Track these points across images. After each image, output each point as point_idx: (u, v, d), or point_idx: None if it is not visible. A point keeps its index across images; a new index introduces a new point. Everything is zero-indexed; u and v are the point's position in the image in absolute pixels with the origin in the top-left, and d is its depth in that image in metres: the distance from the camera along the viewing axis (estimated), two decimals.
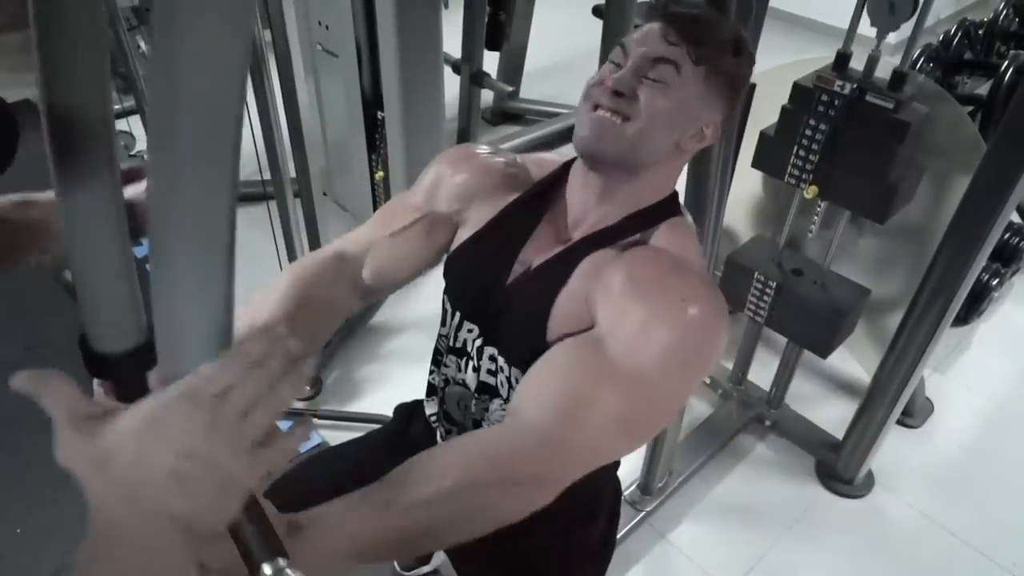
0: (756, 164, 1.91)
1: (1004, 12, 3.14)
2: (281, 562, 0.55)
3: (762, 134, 1.87)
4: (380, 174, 2.79)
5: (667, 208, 0.96)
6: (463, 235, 1.06)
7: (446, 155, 1.11)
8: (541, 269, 0.95)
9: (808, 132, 1.74)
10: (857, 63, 1.70)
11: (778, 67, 1.98)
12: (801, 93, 1.74)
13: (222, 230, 0.54)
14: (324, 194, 2.85)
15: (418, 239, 1.05)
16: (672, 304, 0.83)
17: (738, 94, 0.92)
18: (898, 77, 1.62)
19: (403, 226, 1.05)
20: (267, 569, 0.54)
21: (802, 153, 1.78)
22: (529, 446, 0.79)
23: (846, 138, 1.70)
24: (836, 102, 1.68)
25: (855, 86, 1.64)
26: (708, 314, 0.84)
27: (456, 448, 0.83)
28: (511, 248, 1.00)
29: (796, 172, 1.81)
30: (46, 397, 0.55)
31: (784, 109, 1.79)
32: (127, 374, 0.63)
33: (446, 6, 2.52)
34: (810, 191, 1.78)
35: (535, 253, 0.98)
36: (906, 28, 1.62)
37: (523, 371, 0.94)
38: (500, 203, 1.04)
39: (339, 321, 1.04)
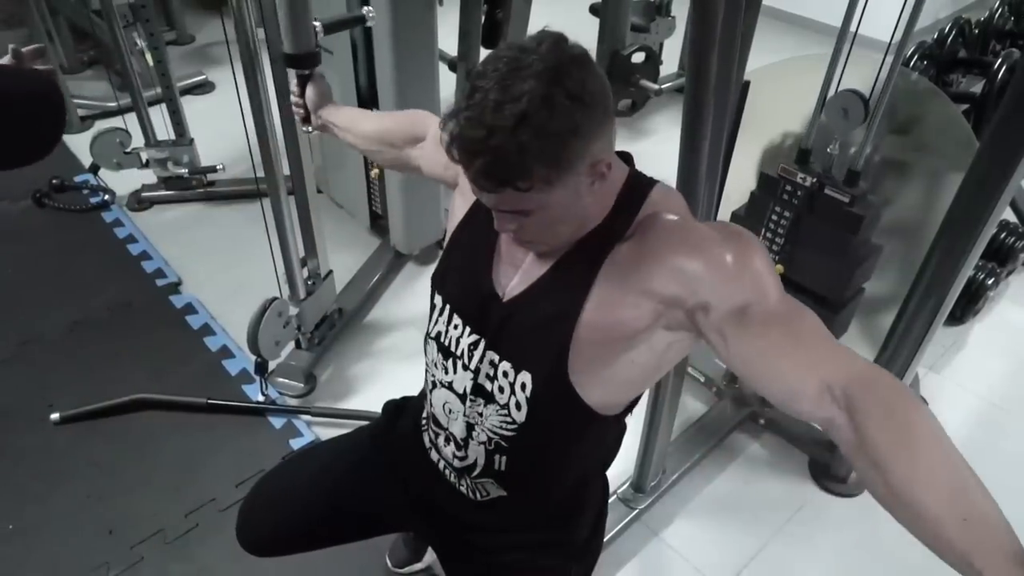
0: None
1: (1000, 10, 3.13)
2: None
3: (734, 215, 2.03)
4: (375, 171, 2.79)
5: (635, 190, 0.95)
6: (455, 210, 1.09)
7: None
8: (554, 278, 0.95)
9: (774, 217, 1.93)
10: (855, 64, 1.71)
11: (770, 65, 1.98)
12: (767, 181, 1.93)
13: None
14: (319, 191, 2.85)
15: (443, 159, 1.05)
16: (739, 247, 0.87)
17: (590, 119, 0.81)
18: (852, 175, 1.79)
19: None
20: None
21: (769, 235, 1.96)
22: (879, 382, 0.79)
23: (808, 225, 1.89)
24: (799, 192, 1.87)
25: (815, 180, 1.83)
26: (741, 232, 0.90)
27: (935, 449, 0.74)
28: (488, 242, 1.02)
29: None
30: None
31: (753, 194, 1.99)
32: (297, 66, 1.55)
33: (441, 3, 2.52)
34: (777, 270, 1.83)
35: (514, 245, 0.98)
36: (902, 18, 1.62)
37: (534, 376, 0.95)
38: None
39: (403, 169, 1.36)
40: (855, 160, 1.78)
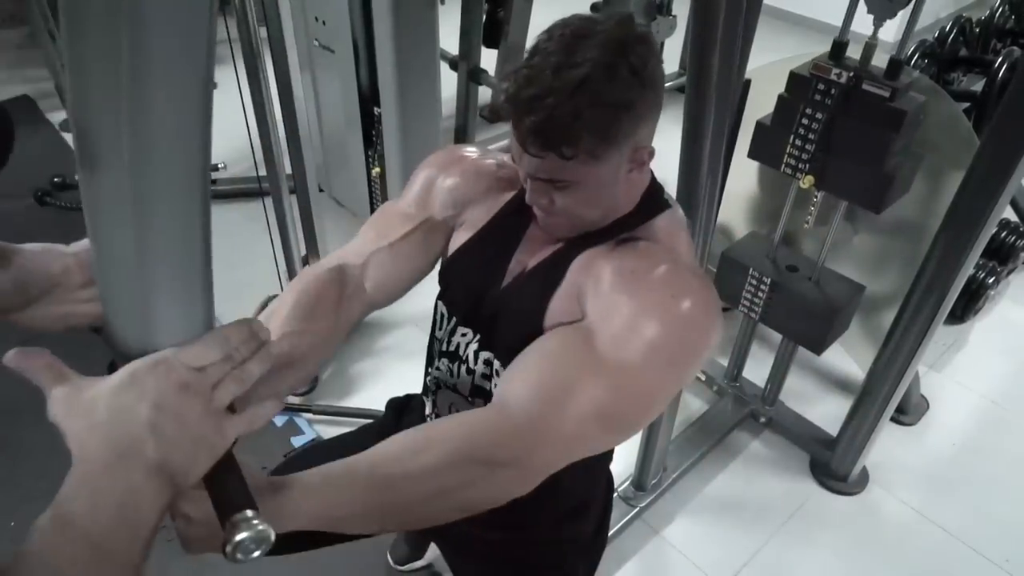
0: (752, 154, 1.89)
1: (1000, 9, 3.14)
2: (249, 513, 0.58)
3: (758, 124, 1.85)
4: (377, 170, 2.79)
5: (652, 204, 0.96)
6: (459, 239, 1.06)
7: (435, 158, 1.11)
8: (535, 271, 0.96)
9: (805, 121, 1.72)
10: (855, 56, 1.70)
11: (772, 63, 1.99)
12: (798, 82, 1.72)
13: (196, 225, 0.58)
14: (320, 190, 2.85)
15: (416, 248, 1.06)
16: (662, 298, 0.84)
17: (642, 99, 0.81)
18: (895, 65, 1.60)
19: (400, 236, 1.04)
20: (236, 517, 0.58)
21: (798, 143, 1.76)
22: (511, 429, 0.79)
23: (842, 127, 1.68)
24: (832, 91, 1.66)
25: (851, 75, 1.62)
26: (699, 309, 0.84)
27: (440, 427, 0.83)
28: (505, 252, 1.01)
29: (792, 162, 1.79)
30: (34, 367, 0.62)
31: (781, 98, 1.77)
32: None
33: (442, 2, 2.52)
34: (806, 181, 1.77)
35: (530, 255, 0.99)
36: (902, 16, 1.61)
37: None
38: (494, 205, 1.04)
39: (344, 333, 1.01)
40: (899, 48, 1.59)
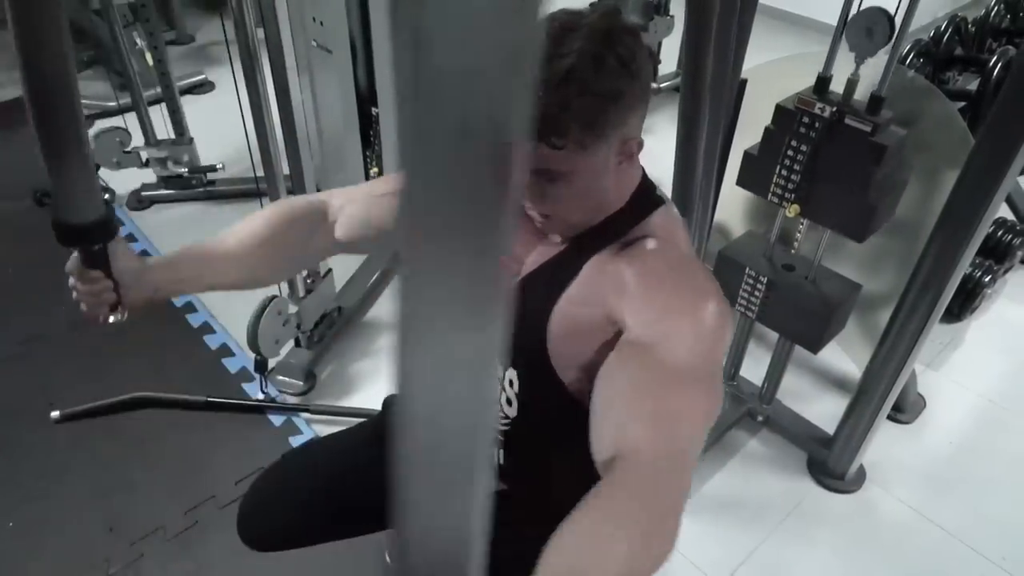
0: (741, 183, 1.94)
1: (996, 8, 3.14)
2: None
3: (746, 153, 1.89)
4: (375, 170, 2.80)
5: (646, 200, 0.96)
6: None
7: None
8: (540, 272, 0.96)
9: (790, 153, 1.79)
10: (851, 61, 1.71)
11: (768, 63, 1.99)
12: (783, 114, 1.78)
13: None
14: (318, 190, 2.85)
15: (393, 206, 1.09)
16: (694, 303, 0.85)
17: (630, 90, 0.83)
18: (875, 101, 1.65)
19: (388, 191, 1.10)
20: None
21: (784, 173, 1.82)
22: (655, 482, 0.75)
23: (826, 159, 1.74)
24: (816, 124, 1.72)
25: (835, 109, 1.69)
26: (723, 305, 0.87)
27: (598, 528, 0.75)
28: None
29: (779, 191, 1.84)
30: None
31: (767, 130, 1.83)
32: (91, 242, 1.00)
33: None
34: (792, 210, 1.82)
35: (523, 251, 0.99)
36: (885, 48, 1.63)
37: (518, 372, 0.96)
38: None
39: (309, 263, 1.17)
40: (880, 85, 1.65)
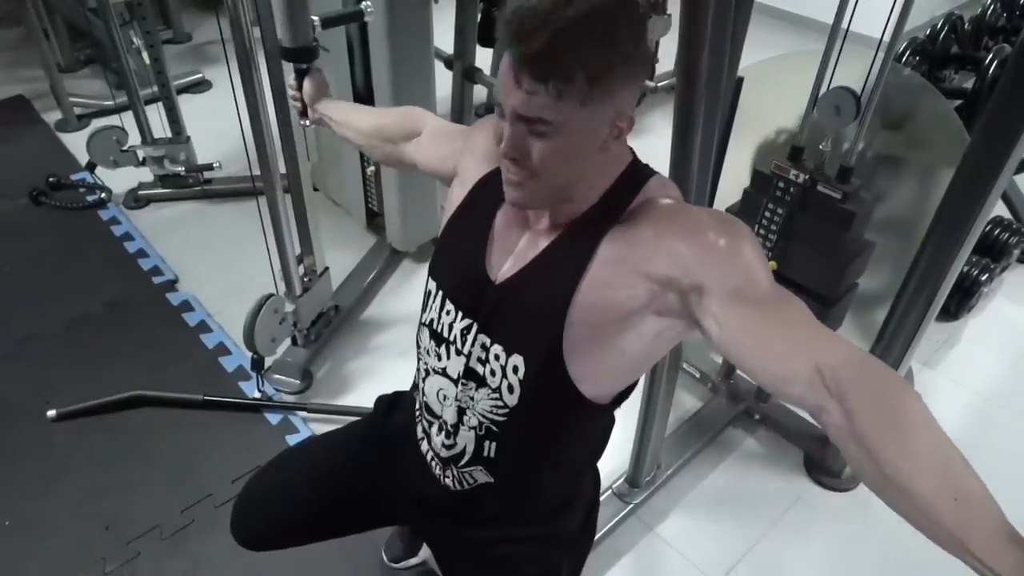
0: None
1: (992, 7, 3.15)
2: None
3: (727, 211, 1.99)
4: (371, 169, 2.80)
5: (638, 172, 0.96)
6: (453, 196, 1.10)
7: (484, 120, 1.16)
8: (547, 260, 0.95)
9: (767, 214, 1.94)
10: (848, 60, 1.72)
11: (763, 61, 1.99)
12: (760, 178, 1.94)
13: None
14: (315, 189, 2.85)
15: (440, 154, 1.23)
16: (738, 238, 0.88)
17: (634, 60, 0.84)
18: (845, 171, 1.79)
19: (446, 136, 1.24)
20: None
21: (762, 232, 1.96)
22: (872, 369, 0.78)
23: (800, 222, 1.89)
24: (791, 189, 1.87)
25: (807, 176, 1.83)
26: (740, 223, 0.91)
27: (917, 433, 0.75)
28: (483, 226, 1.02)
29: None
30: None
31: (746, 191, 2.00)
32: (295, 60, 1.66)
33: (436, 1, 2.52)
34: (770, 266, 1.88)
35: (520, 232, 0.99)
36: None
37: (527, 358, 0.96)
38: (484, 170, 1.06)
39: (394, 163, 1.38)
40: (847, 156, 1.79)
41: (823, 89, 1.80)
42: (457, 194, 1.09)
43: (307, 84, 1.55)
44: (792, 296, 0.87)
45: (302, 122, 1.60)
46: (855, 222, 1.81)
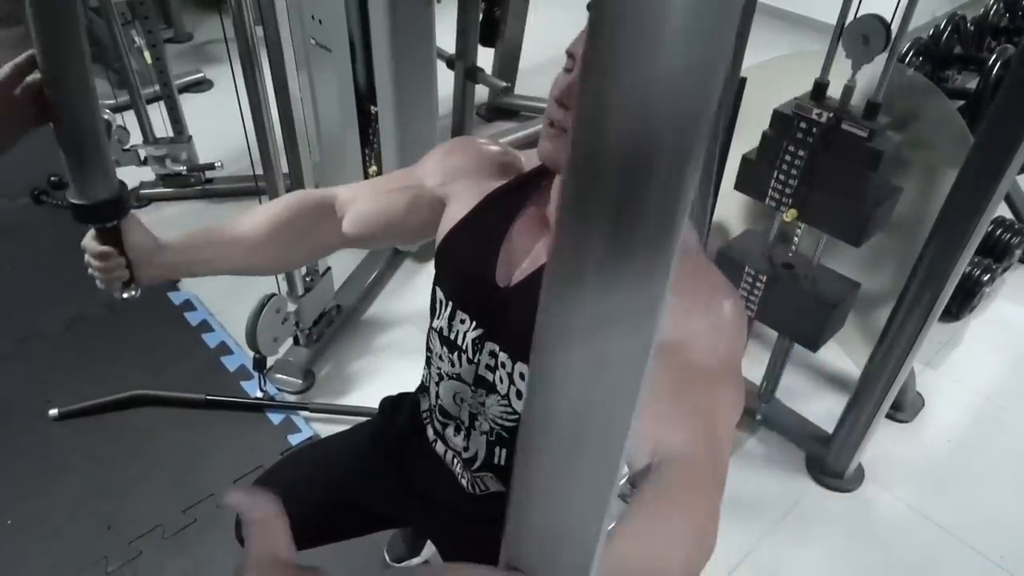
0: (739, 187, 1.94)
1: (995, 7, 3.14)
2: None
3: (744, 158, 1.89)
4: (373, 169, 2.80)
5: None
6: (450, 215, 1.07)
7: (447, 143, 1.15)
8: None
9: (788, 158, 1.80)
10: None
11: (767, 61, 1.99)
12: (781, 119, 1.79)
13: None
14: (317, 188, 2.85)
15: (399, 202, 1.12)
16: (711, 301, 0.87)
17: None
18: (872, 107, 1.66)
19: (391, 188, 1.13)
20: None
21: (782, 177, 1.83)
22: (701, 482, 0.76)
23: (823, 164, 1.74)
24: (814, 129, 1.73)
25: (832, 115, 1.69)
26: (738, 300, 0.89)
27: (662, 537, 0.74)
28: (495, 237, 1.01)
29: (776, 196, 1.84)
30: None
31: (765, 135, 1.84)
32: (104, 219, 1.03)
33: (439, 1, 2.52)
34: (790, 215, 1.83)
35: (532, 240, 0.99)
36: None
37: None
38: (487, 188, 1.05)
39: (315, 255, 1.22)
40: (876, 91, 1.66)
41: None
42: (456, 211, 1.07)
43: (133, 238, 1.06)
44: (720, 387, 0.83)
45: (127, 295, 1.11)
46: (883, 161, 1.68)
